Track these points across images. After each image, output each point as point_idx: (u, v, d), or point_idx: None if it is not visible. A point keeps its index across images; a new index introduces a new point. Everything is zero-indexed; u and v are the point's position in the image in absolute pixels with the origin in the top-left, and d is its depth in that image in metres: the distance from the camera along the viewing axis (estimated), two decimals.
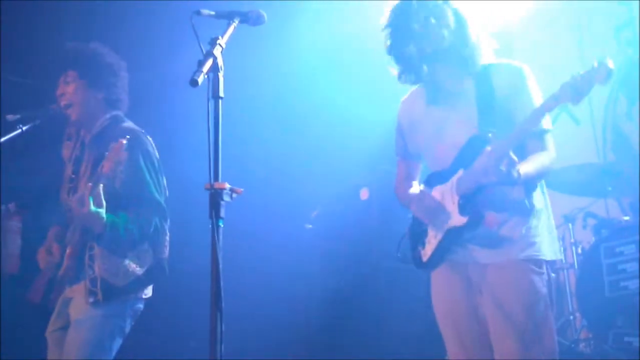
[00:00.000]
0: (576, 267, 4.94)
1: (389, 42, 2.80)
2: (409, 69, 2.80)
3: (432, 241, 2.78)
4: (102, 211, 2.96)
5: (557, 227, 5.08)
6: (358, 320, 5.59)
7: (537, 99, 2.70)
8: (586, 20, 5.57)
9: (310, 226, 5.85)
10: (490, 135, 2.63)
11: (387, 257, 5.69)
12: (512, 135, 2.53)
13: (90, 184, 2.94)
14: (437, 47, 2.70)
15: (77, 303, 3.15)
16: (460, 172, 2.69)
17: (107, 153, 2.94)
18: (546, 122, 2.68)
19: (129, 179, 3.09)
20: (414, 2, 2.73)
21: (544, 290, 2.65)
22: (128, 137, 2.99)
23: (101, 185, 2.94)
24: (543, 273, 2.66)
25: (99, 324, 3.09)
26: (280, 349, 5.22)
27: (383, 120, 5.15)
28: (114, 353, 3.17)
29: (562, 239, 5.19)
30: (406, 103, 3.02)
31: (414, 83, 2.87)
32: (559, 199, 5.20)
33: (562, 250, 5.16)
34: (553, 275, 4.88)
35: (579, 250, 5.00)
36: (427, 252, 2.80)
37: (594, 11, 5.42)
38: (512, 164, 2.47)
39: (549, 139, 2.73)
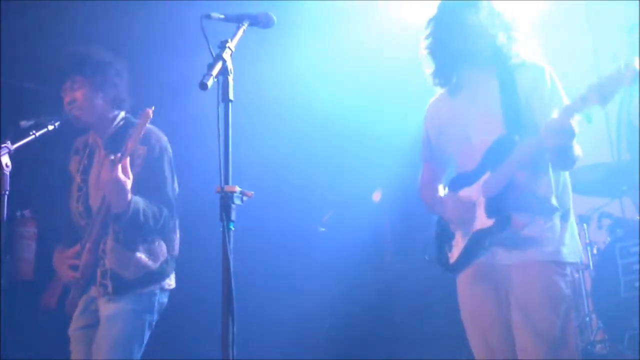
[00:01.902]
0: (591, 267, 4.90)
1: (435, 39, 2.81)
2: (447, 69, 2.81)
3: (459, 244, 2.78)
4: (129, 182, 2.95)
5: None
6: (370, 322, 5.57)
7: (556, 97, 2.69)
8: (599, 21, 5.53)
9: (323, 229, 5.84)
10: (517, 137, 2.64)
11: (399, 259, 5.67)
12: (539, 137, 2.53)
13: (118, 154, 2.91)
14: (487, 47, 2.71)
15: (104, 300, 3.16)
16: (487, 175, 2.70)
17: (131, 131, 2.93)
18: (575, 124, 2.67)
19: (146, 170, 3.10)
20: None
21: (567, 291, 2.64)
22: (153, 107, 2.98)
23: (128, 158, 2.93)
24: (567, 275, 2.66)
25: (130, 319, 3.11)
26: (292, 351, 5.21)
27: (395, 122, 5.17)
28: (143, 347, 3.19)
29: None
30: (432, 107, 3.01)
31: (445, 84, 2.88)
32: (573, 199, 5.14)
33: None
34: (577, 275, 4.85)
35: (594, 251, 4.97)
36: (454, 254, 2.81)
37: (607, 12, 5.38)
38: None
39: (575, 143, 2.69)
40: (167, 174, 3.22)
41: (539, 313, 2.60)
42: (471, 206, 2.73)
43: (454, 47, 2.75)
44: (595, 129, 5.14)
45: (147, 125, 3.27)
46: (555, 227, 2.69)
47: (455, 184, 2.85)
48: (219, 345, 2.10)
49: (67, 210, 3.40)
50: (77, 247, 3.25)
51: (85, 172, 3.36)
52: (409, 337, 5.43)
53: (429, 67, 2.87)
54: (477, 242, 2.71)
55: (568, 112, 2.47)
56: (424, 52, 2.87)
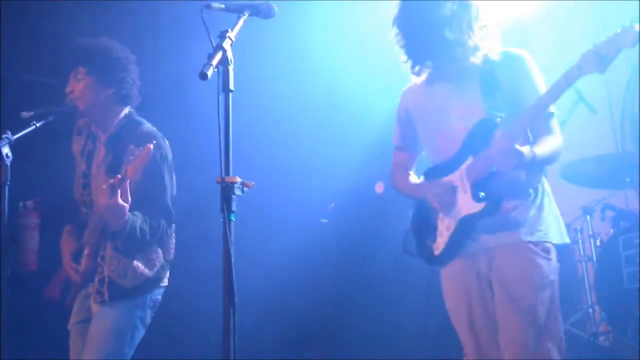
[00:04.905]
0: (595, 259, 4.89)
1: (404, 31, 2.74)
2: (422, 56, 2.74)
3: (444, 233, 2.73)
4: (127, 207, 2.94)
5: (576, 219, 5.13)
6: (373, 316, 5.54)
7: (541, 84, 2.67)
8: (603, 14, 5.49)
9: (326, 220, 5.83)
10: (499, 119, 2.59)
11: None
12: (527, 113, 2.51)
13: (119, 176, 2.89)
14: (459, 37, 2.64)
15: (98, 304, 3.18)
16: (470, 160, 2.65)
17: (131, 157, 2.89)
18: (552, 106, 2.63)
19: (145, 181, 3.03)
20: None
21: (552, 277, 2.61)
22: (154, 142, 2.97)
23: (128, 181, 2.91)
24: (550, 259, 2.63)
25: (121, 314, 3.12)
26: (292, 343, 5.21)
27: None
28: (136, 343, 3.19)
29: (580, 231, 5.15)
30: (407, 92, 2.97)
31: (419, 69, 2.80)
32: (576, 191, 5.15)
33: (580, 242, 5.13)
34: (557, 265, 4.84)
35: (598, 243, 4.96)
36: (439, 245, 2.75)
37: (614, 12, 5.34)
38: (527, 143, 2.47)
39: (555, 123, 2.70)
40: (166, 181, 3.19)
41: (522, 294, 2.57)
42: (451, 189, 2.69)
43: (423, 38, 2.68)
44: (600, 120, 5.15)
45: (148, 127, 3.26)
46: (539, 209, 2.66)
47: (433, 174, 2.81)
48: (220, 338, 2.11)
49: (71, 191, 3.40)
50: (76, 245, 3.27)
51: (90, 157, 3.34)
52: (410, 333, 5.38)
53: (401, 56, 2.80)
54: (466, 229, 2.66)
55: (561, 86, 2.42)
56: (394, 40, 2.79)
